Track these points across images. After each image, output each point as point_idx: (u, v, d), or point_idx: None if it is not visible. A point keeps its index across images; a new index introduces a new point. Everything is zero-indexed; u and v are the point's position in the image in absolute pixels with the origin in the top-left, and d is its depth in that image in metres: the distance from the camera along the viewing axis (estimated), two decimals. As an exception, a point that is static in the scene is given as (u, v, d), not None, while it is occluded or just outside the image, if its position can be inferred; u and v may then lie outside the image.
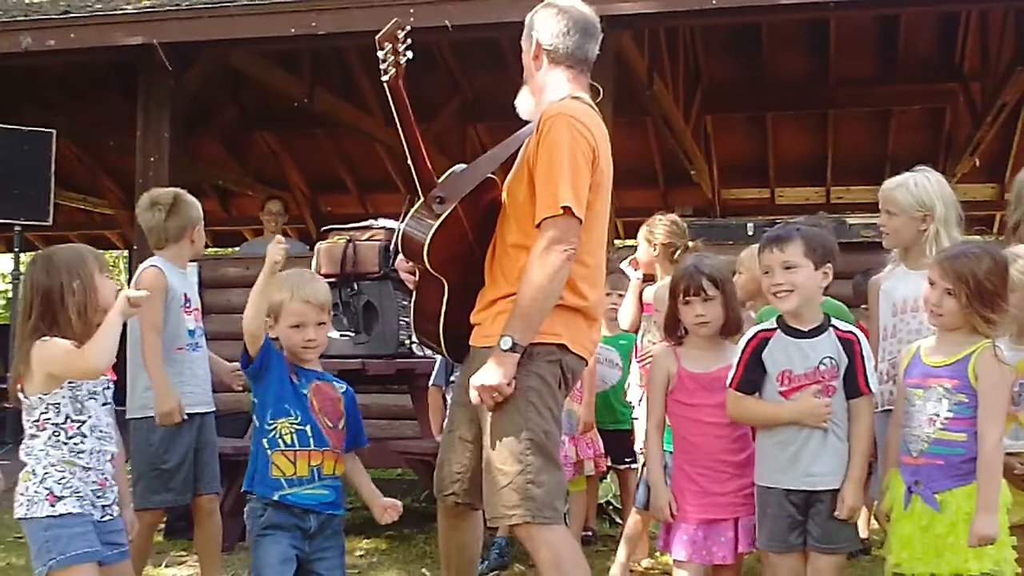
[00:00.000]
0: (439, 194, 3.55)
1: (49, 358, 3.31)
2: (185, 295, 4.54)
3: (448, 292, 3.56)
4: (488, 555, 5.22)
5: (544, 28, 3.64)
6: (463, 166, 3.75)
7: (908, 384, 3.48)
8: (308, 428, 3.54)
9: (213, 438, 4.68)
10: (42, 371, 3.33)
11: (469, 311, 3.62)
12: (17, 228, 8.95)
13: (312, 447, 3.53)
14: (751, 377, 3.63)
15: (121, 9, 8.40)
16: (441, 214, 3.50)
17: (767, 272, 3.65)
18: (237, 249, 10.22)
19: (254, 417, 3.56)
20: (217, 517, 4.68)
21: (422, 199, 3.55)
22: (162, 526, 5.95)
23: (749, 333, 3.69)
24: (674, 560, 3.80)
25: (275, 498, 3.46)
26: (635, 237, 5.53)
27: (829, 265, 3.64)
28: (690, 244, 5.16)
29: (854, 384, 3.58)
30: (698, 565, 3.71)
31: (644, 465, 4.52)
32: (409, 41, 3.38)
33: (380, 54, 3.34)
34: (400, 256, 3.71)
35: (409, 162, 3.54)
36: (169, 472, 4.45)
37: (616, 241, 8.10)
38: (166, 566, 5.46)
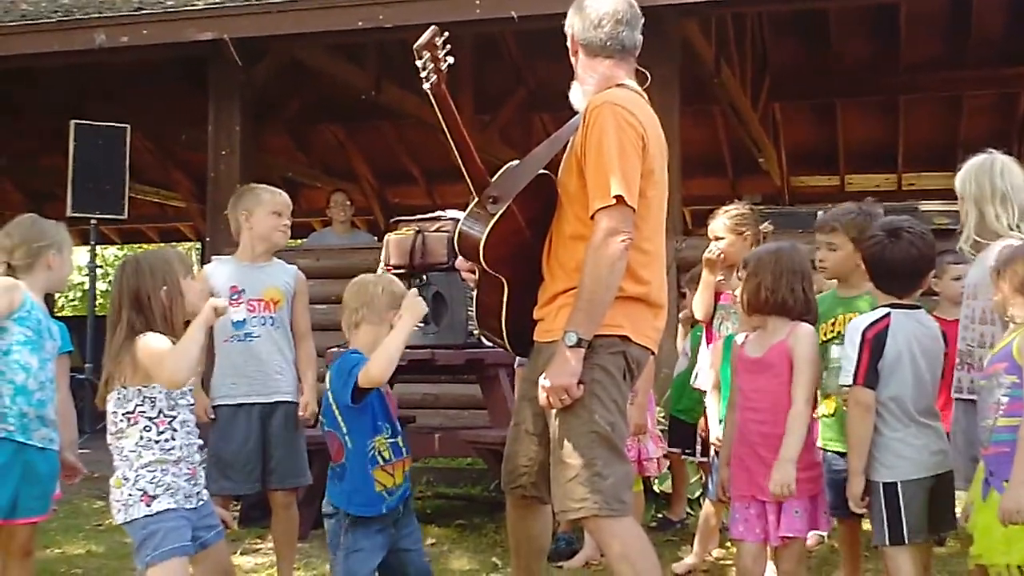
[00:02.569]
0: (493, 193, 3.55)
1: (148, 350, 3.37)
2: (234, 287, 4.54)
3: (508, 288, 3.57)
4: (556, 544, 5.24)
5: (577, 22, 3.64)
6: (516, 162, 3.75)
7: (981, 375, 3.48)
8: (399, 439, 3.68)
9: (287, 431, 4.60)
10: (144, 364, 3.40)
11: (531, 306, 3.63)
12: (93, 222, 9.12)
13: (404, 455, 3.70)
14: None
15: (192, 5, 8.52)
16: (495, 213, 3.50)
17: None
18: (304, 241, 10.32)
19: (346, 439, 3.61)
20: (293, 512, 4.66)
21: (476, 199, 3.57)
22: (237, 513, 6.06)
23: (864, 324, 3.71)
24: (732, 538, 3.91)
25: (384, 511, 3.61)
26: (704, 226, 5.48)
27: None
28: (761, 227, 5.12)
29: None
30: (754, 544, 3.77)
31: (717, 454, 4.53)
32: (448, 47, 3.37)
33: (419, 63, 3.33)
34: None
35: (460, 164, 3.54)
36: (225, 461, 4.46)
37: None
38: (241, 553, 5.54)
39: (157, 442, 3.43)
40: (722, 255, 5.02)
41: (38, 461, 3.92)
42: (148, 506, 3.39)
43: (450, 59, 3.38)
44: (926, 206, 6.82)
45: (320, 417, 3.77)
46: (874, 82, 11.58)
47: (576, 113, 3.68)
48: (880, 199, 5.62)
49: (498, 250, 3.52)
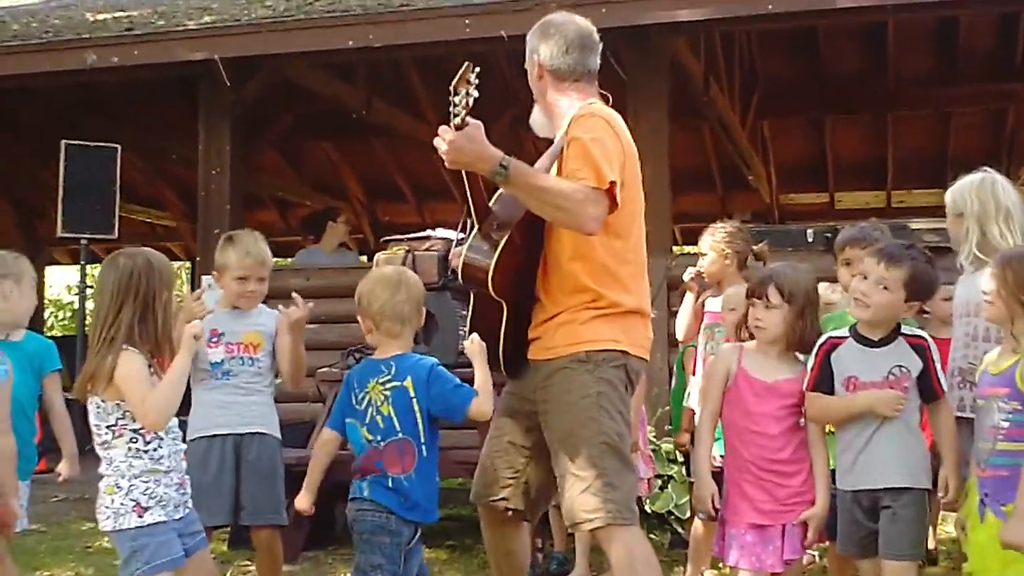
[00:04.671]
0: (496, 220, 3.57)
1: (127, 376, 3.34)
2: (214, 330, 4.43)
3: (507, 311, 3.60)
4: (549, 564, 5.22)
5: (543, 49, 3.72)
6: None
7: (978, 394, 3.48)
8: None
9: (264, 465, 4.48)
10: (119, 383, 3.36)
11: (524, 327, 3.67)
12: (83, 241, 9.10)
13: None
14: (823, 377, 3.70)
15: (182, 25, 8.52)
16: (499, 240, 3.53)
17: (865, 276, 3.69)
18: (293, 260, 10.29)
19: (422, 447, 3.61)
20: (276, 551, 4.51)
21: (478, 225, 3.57)
22: (227, 535, 6.04)
23: (822, 339, 3.74)
24: (729, 566, 3.86)
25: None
26: (693, 243, 5.49)
27: (917, 304, 3.74)
28: (755, 248, 5.13)
29: (929, 387, 3.65)
30: (751, 571, 3.73)
31: None
32: (477, 81, 3.38)
33: (457, 99, 3.34)
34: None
35: (467, 191, 3.54)
36: (199, 491, 4.09)
37: (675, 248, 8.02)
38: None
39: (146, 451, 3.42)
40: (702, 275, 5.05)
41: None
42: (140, 517, 3.38)
43: (476, 93, 3.38)
44: (916, 224, 6.81)
45: (365, 430, 3.65)
46: (863, 98, 11.59)
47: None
48: (869, 216, 5.65)
49: (503, 275, 3.54)
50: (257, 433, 4.50)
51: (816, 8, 7.47)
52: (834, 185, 13.42)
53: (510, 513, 3.75)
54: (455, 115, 3.34)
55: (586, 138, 3.45)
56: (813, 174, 13.31)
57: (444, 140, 3.34)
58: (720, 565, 5.18)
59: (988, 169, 4.10)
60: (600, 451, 3.48)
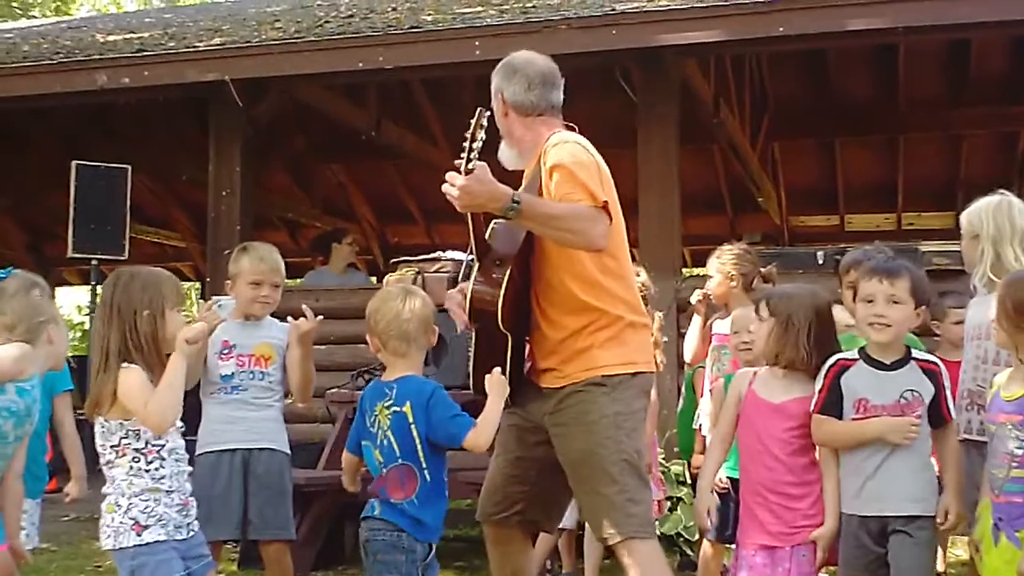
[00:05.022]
0: (496, 257, 3.63)
1: (127, 390, 3.35)
2: (225, 342, 4.47)
3: (511, 343, 3.65)
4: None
5: (507, 88, 3.83)
6: (503, 223, 3.74)
7: (988, 419, 3.47)
8: None
9: (272, 480, 4.50)
10: (122, 397, 3.37)
11: (522, 356, 3.75)
12: (93, 262, 9.11)
13: None
14: (833, 400, 3.65)
15: (193, 47, 8.56)
16: (502, 276, 3.58)
17: (870, 301, 3.65)
18: (302, 280, 10.29)
19: (425, 472, 3.59)
20: (285, 565, 4.52)
21: (479, 262, 3.64)
22: (236, 555, 6.03)
23: (831, 360, 3.69)
24: None
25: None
26: (704, 265, 5.50)
27: (924, 308, 3.71)
28: (763, 270, 5.13)
29: (938, 413, 3.61)
30: None
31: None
32: (486, 125, 3.48)
33: (475, 145, 3.41)
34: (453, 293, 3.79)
35: (470, 230, 3.60)
36: (207, 505, 4.12)
37: (685, 270, 8.02)
38: (239, 596, 5.51)
39: (147, 471, 3.42)
40: (709, 298, 5.05)
41: None
42: (139, 536, 3.38)
43: (484, 136, 3.46)
44: (926, 247, 6.79)
45: (377, 453, 3.65)
46: (874, 121, 11.60)
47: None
48: (880, 239, 5.64)
49: (509, 309, 3.60)
50: (266, 448, 4.51)
51: (827, 30, 7.46)
52: (844, 207, 13.41)
53: (527, 526, 3.85)
54: (467, 160, 3.40)
55: (569, 163, 3.55)
56: (823, 196, 13.30)
57: (455, 185, 3.39)
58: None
59: (1004, 192, 4.12)
60: (620, 468, 3.57)
